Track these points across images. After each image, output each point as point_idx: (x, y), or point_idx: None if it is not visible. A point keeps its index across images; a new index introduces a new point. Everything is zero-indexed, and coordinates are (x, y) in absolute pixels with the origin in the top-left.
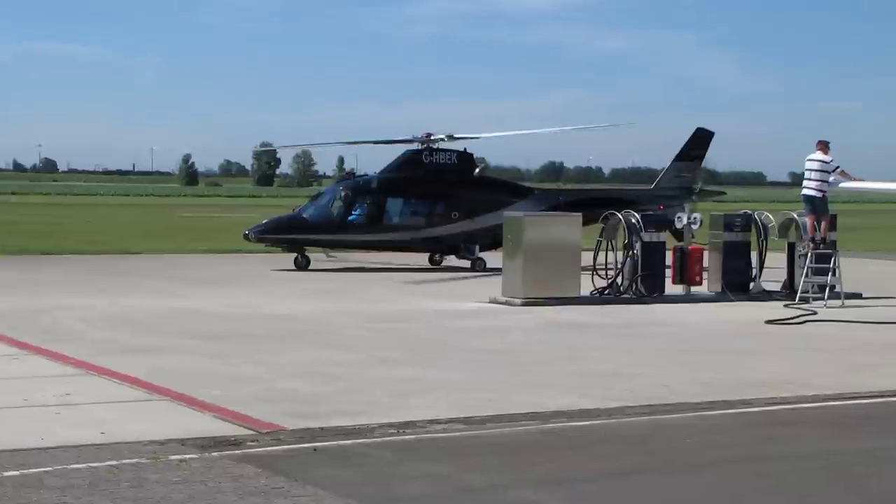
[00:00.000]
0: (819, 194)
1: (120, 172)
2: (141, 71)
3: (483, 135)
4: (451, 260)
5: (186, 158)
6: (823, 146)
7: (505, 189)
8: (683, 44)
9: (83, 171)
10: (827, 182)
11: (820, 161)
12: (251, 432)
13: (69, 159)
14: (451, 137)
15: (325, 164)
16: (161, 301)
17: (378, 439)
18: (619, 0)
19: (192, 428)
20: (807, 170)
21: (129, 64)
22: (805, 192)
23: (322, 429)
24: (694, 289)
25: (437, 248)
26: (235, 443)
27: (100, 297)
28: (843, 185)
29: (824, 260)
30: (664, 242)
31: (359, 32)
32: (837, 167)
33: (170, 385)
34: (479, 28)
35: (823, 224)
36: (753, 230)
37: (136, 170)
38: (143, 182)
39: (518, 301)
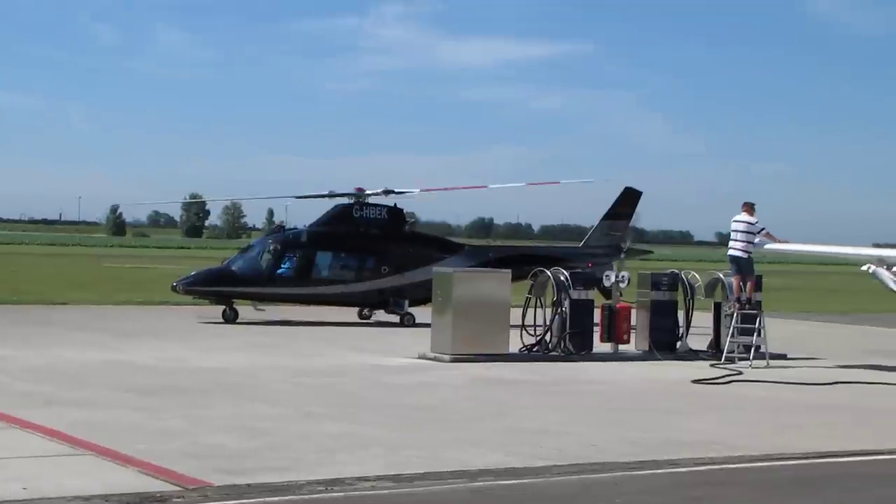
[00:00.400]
0: (745, 255)
1: (46, 222)
2: (70, 119)
3: (416, 190)
4: (380, 315)
5: (114, 209)
6: (749, 207)
7: (435, 244)
8: (619, 103)
9: (8, 220)
10: (752, 243)
11: (746, 222)
12: (177, 488)
13: None
14: (387, 192)
15: (254, 217)
16: (87, 353)
17: (306, 496)
18: (556, 60)
19: (116, 483)
20: (733, 231)
21: (59, 112)
22: (731, 252)
23: (249, 485)
24: (622, 347)
25: (367, 303)
26: (161, 499)
27: (24, 349)
28: (768, 246)
29: (750, 320)
30: (592, 300)
31: (293, 86)
32: (763, 228)
33: (95, 439)
34: (415, 84)
35: (749, 284)
36: (680, 289)
37: (62, 219)
38: (69, 231)
39: (447, 357)
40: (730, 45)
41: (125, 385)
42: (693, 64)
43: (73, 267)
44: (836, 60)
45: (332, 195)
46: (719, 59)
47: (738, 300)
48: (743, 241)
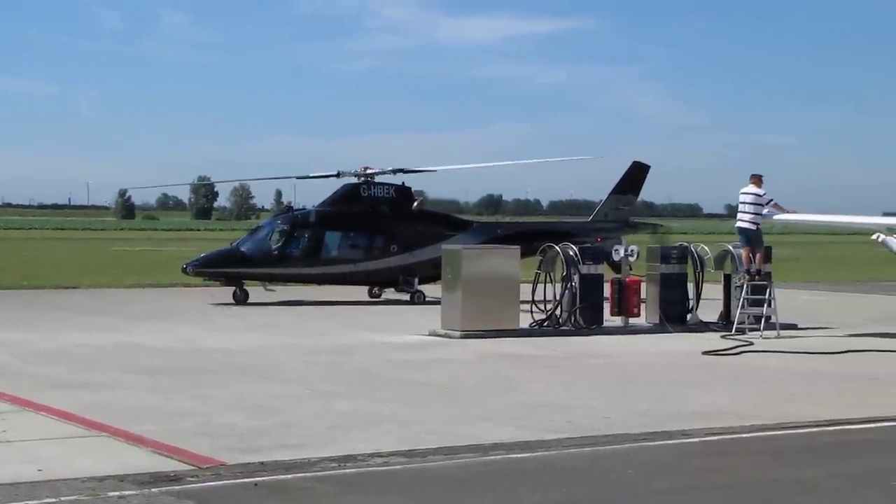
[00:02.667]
0: (753, 227)
1: (55, 206)
2: (77, 104)
3: (431, 168)
4: (390, 293)
5: (123, 192)
6: (757, 179)
7: (444, 222)
8: (623, 77)
9: (18, 206)
10: (761, 214)
11: (753, 194)
12: (190, 467)
13: (4, 193)
14: (396, 171)
15: (262, 198)
16: (98, 336)
17: (319, 473)
18: (559, 35)
19: (130, 464)
20: (741, 202)
21: (66, 97)
22: (739, 224)
23: (262, 463)
24: (632, 320)
25: (376, 282)
26: (175, 478)
27: (35, 332)
28: (776, 217)
29: (760, 291)
30: (602, 275)
31: (298, 66)
32: (771, 199)
33: (107, 420)
34: (419, 62)
35: (758, 256)
36: (690, 262)
37: (71, 204)
38: (79, 216)
39: (457, 334)
40: (733, 18)
41: (137, 367)
42: (696, 37)
43: (83, 251)
44: (841, 30)
45: (330, 175)
46: (722, 31)
47: (748, 271)
48: (751, 213)
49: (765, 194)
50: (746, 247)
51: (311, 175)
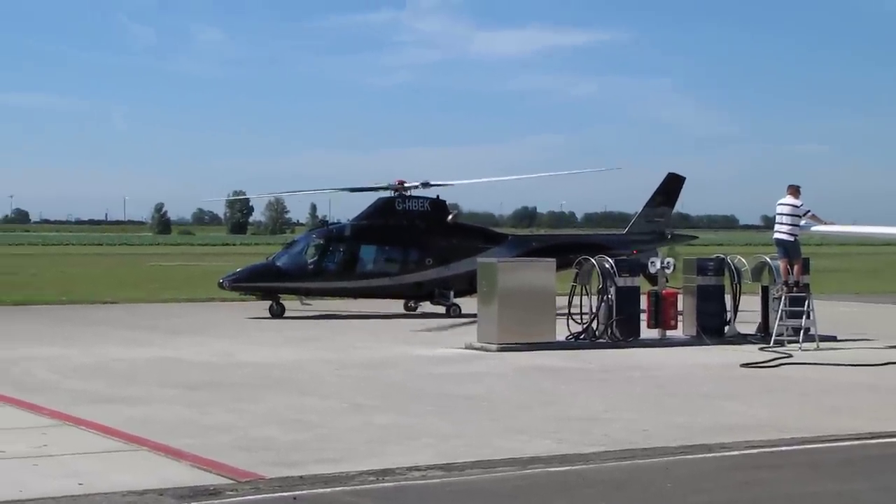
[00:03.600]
0: (791, 238)
1: (92, 222)
2: (113, 120)
3: (456, 182)
4: (425, 306)
5: (159, 207)
6: (794, 190)
7: (479, 235)
8: (655, 89)
9: (56, 222)
10: (798, 226)
11: (791, 205)
12: (230, 481)
13: (41, 209)
14: (425, 185)
15: (297, 212)
16: (135, 350)
17: (357, 487)
18: (590, 47)
19: (169, 478)
20: (778, 214)
21: (101, 113)
22: (777, 236)
23: (301, 477)
24: (669, 333)
25: (412, 295)
26: (214, 492)
27: (73, 347)
28: (814, 228)
29: (798, 303)
30: (638, 287)
31: (332, 81)
32: (808, 211)
33: (146, 435)
34: (451, 76)
35: (797, 267)
36: (727, 274)
37: (108, 219)
38: (115, 231)
39: (493, 347)
40: (762, 28)
41: (174, 381)
42: (726, 47)
43: (120, 266)
44: (873, 40)
45: (366, 189)
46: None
47: (786, 283)
48: (788, 224)
49: (802, 205)
50: (784, 258)
51: (346, 188)
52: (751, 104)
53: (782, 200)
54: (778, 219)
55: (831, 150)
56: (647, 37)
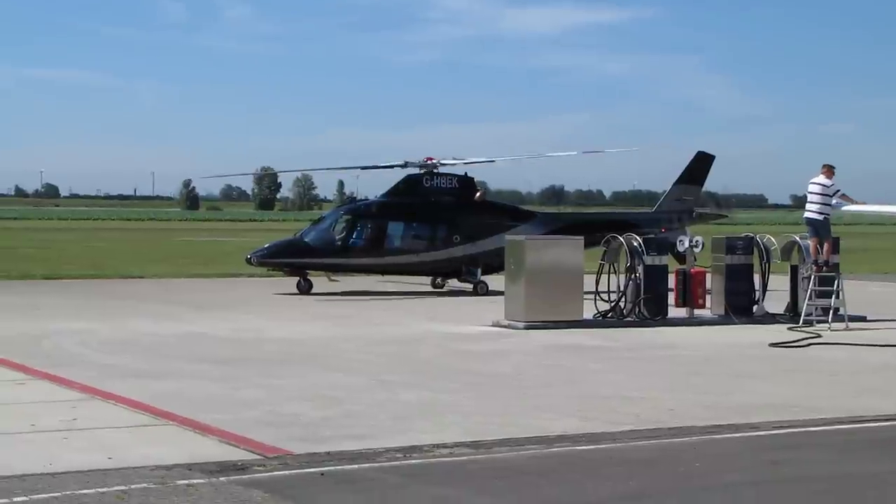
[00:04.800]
0: (821, 217)
1: (121, 197)
2: (142, 96)
3: (495, 158)
4: (453, 283)
5: (187, 183)
6: (828, 170)
7: (506, 213)
8: (684, 67)
9: (85, 196)
10: (829, 205)
11: (821, 185)
12: (257, 457)
13: (71, 184)
14: (457, 161)
15: (325, 189)
16: (164, 325)
17: (385, 463)
18: (621, 25)
19: (198, 452)
20: (809, 193)
21: (131, 89)
22: (807, 215)
23: (328, 453)
24: (697, 311)
25: (439, 272)
26: (242, 467)
27: (102, 322)
28: (844, 208)
29: (828, 283)
30: (666, 265)
31: (361, 58)
32: (838, 190)
33: (175, 409)
34: (481, 53)
35: (826, 247)
36: (756, 253)
37: (137, 194)
38: (144, 206)
39: (521, 324)
40: (795, 8)
41: (202, 356)
42: (758, 27)
43: (149, 241)
44: None
45: (394, 166)
46: (784, 21)
47: (816, 262)
48: (819, 203)
49: (833, 185)
50: (814, 237)
51: (378, 165)
52: (781, 83)
53: (813, 180)
54: (808, 198)
55: (861, 129)
56: (677, 15)
